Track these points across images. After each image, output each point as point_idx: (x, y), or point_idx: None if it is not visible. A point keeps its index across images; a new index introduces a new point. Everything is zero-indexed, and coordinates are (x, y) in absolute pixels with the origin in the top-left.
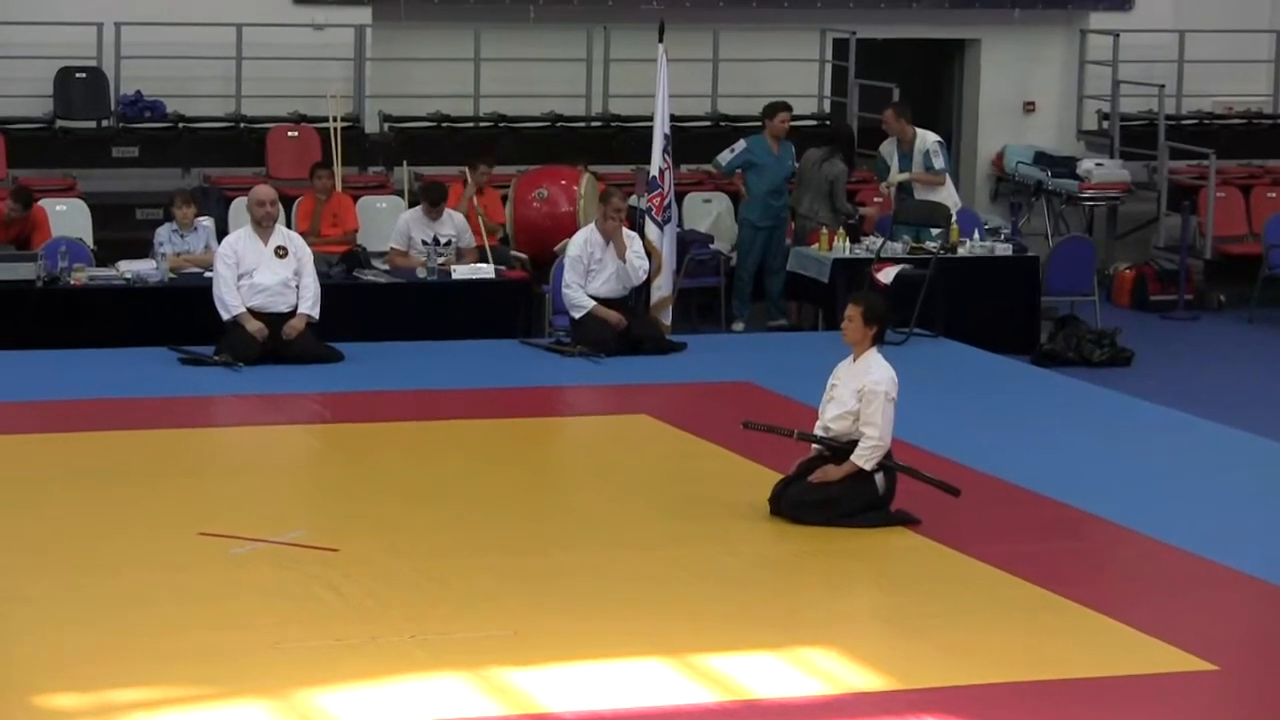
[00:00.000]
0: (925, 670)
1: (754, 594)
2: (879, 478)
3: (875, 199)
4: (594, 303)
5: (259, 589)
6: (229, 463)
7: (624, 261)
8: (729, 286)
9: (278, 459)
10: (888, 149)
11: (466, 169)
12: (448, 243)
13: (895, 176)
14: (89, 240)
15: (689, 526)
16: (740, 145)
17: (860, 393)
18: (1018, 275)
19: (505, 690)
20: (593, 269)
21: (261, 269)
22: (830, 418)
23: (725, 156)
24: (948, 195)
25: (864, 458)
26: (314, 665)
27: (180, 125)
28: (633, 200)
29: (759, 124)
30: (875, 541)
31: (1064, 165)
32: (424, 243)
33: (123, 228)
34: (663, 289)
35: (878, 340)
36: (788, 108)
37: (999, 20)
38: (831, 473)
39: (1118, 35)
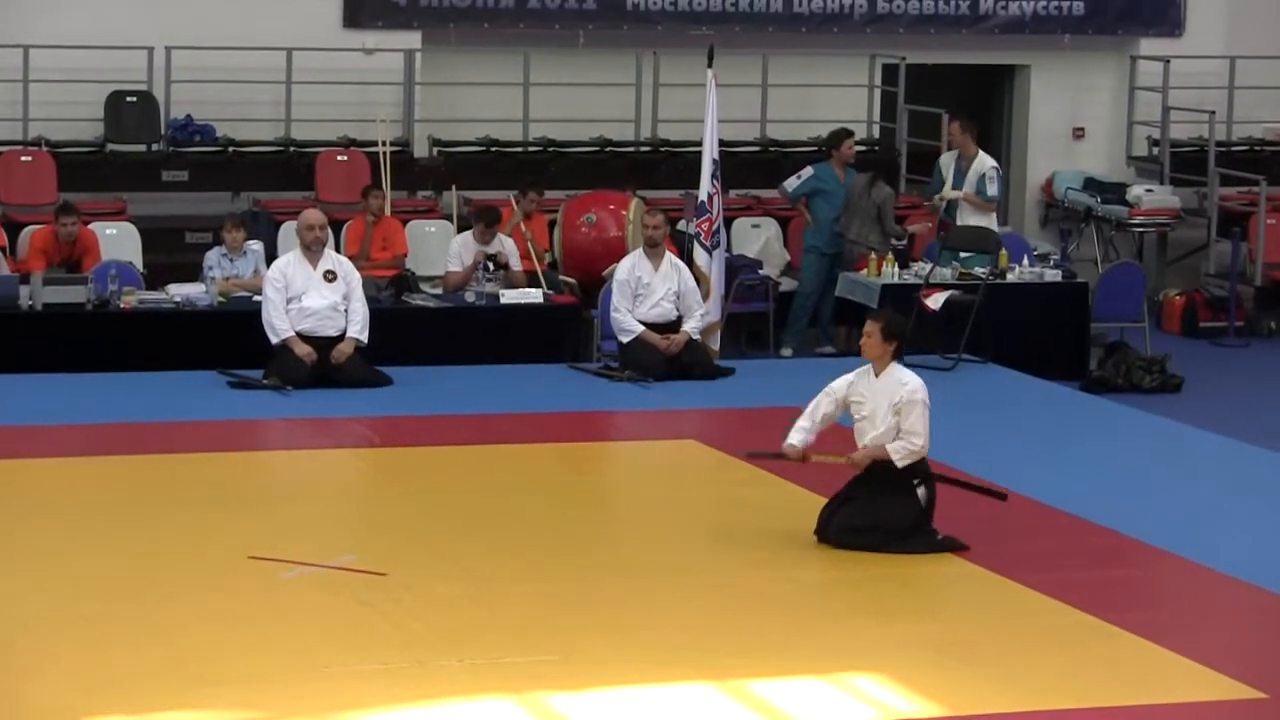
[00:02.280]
0: (975, 697)
1: (802, 620)
2: (921, 490)
3: (925, 223)
4: (642, 327)
5: (308, 613)
6: (278, 487)
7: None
8: (778, 312)
9: (327, 483)
10: (947, 160)
11: (516, 195)
12: (499, 265)
13: (948, 193)
14: (139, 264)
15: (737, 552)
16: (807, 172)
17: (896, 405)
18: (1067, 301)
19: (553, 715)
20: (640, 293)
21: (310, 293)
22: (870, 439)
23: (792, 183)
24: (989, 222)
25: (899, 454)
26: (362, 690)
27: (230, 149)
28: (681, 225)
29: (809, 150)
30: (924, 568)
31: (1114, 191)
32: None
33: (172, 251)
34: (710, 314)
35: (898, 355)
36: (852, 134)
37: (1049, 46)
38: (859, 456)
39: (1168, 61)
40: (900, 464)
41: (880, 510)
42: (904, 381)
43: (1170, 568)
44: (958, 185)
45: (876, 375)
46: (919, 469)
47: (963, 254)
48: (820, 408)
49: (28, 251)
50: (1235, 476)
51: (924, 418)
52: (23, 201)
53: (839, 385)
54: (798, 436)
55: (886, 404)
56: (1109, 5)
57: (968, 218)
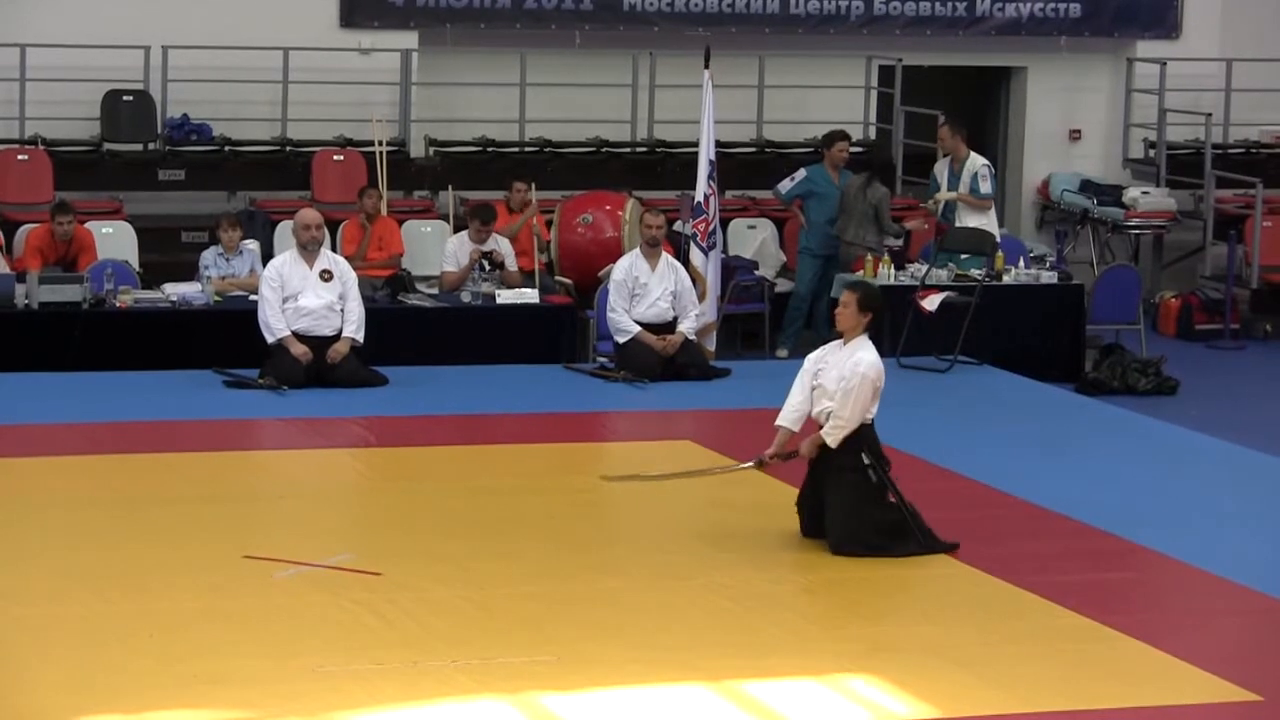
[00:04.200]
0: (969, 700)
1: (796, 621)
2: (872, 473)
3: (922, 221)
4: (638, 328)
5: (302, 613)
6: (273, 486)
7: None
8: (774, 312)
9: (322, 483)
10: (940, 167)
11: (526, 189)
12: (495, 264)
13: (942, 194)
14: (135, 263)
15: (731, 553)
16: (800, 174)
17: (846, 380)
18: (1063, 303)
19: (547, 715)
20: (637, 294)
21: (306, 292)
22: (820, 410)
23: (785, 185)
24: (989, 222)
25: (830, 436)
26: (355, 689)
27: (226, 148)
28: (677, 226)
29: (805, 150)
30: (919, 570)
31: (1110, 193)
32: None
33: (168, 251)
34: (706, 315)
35: (869, 329)
36: (846, 137)
37: (1045, 48)
38: (805, 448)
39: (1164, 64)
40: (833, 444)
41: (849, 503)
42: (859, 360)
43: (1165, 570)
44: (952, 188)
45: (844, 345)
46: (864, 442)
47: (960, 255)
48: (804, 384)
49: (24, 250)
50: (1230, 479)
51: (859, 394)
52: (19, 200)
53: (811, 356)
54: (789, 416)
55: (839, 374)
56: (1105, 7)
57: (966, 219)
